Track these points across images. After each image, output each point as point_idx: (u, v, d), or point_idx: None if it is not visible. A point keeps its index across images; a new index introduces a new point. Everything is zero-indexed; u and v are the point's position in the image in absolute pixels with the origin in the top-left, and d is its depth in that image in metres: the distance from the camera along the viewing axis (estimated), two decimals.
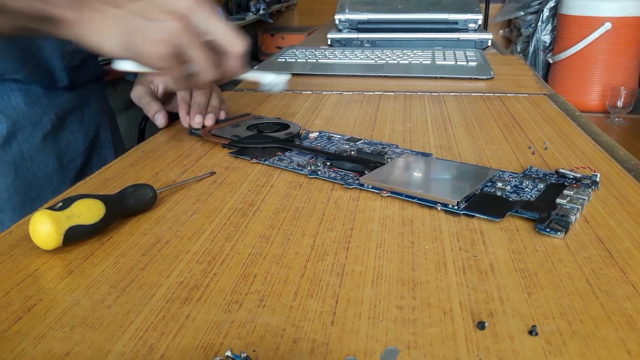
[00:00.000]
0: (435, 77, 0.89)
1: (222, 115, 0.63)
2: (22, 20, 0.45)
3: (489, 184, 0.45)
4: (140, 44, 0.44)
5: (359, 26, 1.24)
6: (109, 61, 0.53)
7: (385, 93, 0.80)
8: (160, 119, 0.63)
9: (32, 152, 0.63)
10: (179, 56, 0.44)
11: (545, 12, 2.81)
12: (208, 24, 0.45)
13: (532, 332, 0.27)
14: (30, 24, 0.45)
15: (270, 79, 0.57)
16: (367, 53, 1.04)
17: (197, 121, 0.61)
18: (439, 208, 0.41)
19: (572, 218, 0.39)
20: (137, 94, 0.65)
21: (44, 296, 0.32)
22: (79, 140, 0.70)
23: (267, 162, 0.52)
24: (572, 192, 0.42)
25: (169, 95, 0.68)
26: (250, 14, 3.38)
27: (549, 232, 0.37)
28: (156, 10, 0.43)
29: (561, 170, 0.46)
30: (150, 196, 0.42)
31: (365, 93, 0.80)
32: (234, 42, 0.46)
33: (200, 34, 0.45)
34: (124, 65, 0.48)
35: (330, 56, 1.03)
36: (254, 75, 0.57)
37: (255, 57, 3.62)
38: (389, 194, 0.44)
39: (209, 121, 0.61)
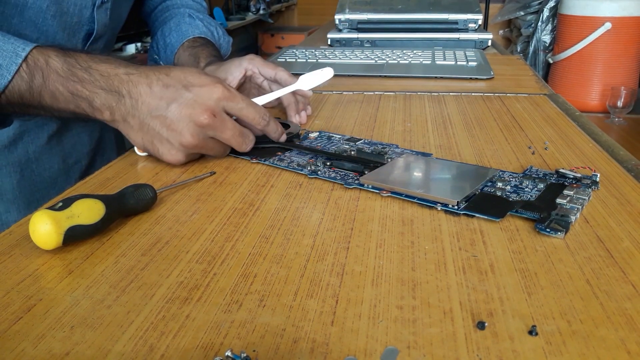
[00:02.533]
0: (435, 77, 0.89)
1: (310, 111, 0.70)
2: (63, 115, 0.51)
3: (489, 184, 0.45)
4: (158, 151, 0.50)
5: (359, 26, 1.24)
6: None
7: (385, 93, 0.80)
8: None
9: (37, 154, 0.63)
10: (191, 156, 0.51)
11: (545, 12, 2.81)
12: (220, 136, 0.49)
13: (532, 332, 0.27)
14: (71, 117, 0.52)
15: (313, 80, 0.62)
16: (367, 53, 1.04)
17: (304, 120, 0.67)
18: (439, 208, 0.41)
19: (572, 218, 0.39)
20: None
21: (44, 296, 0.32)
22: (83, 141, 0.70)
23: (267, 162, 0.52)
24: (572, 192, 0.42)
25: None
26: (250, 14, 3.38)
27: (549, 232, 0.37)
28: (174, 124, 0.48)
29: (561, 170, 0.46)
30: (150, 196, 0.42)
31: (365, 93, 0.81)
32: (257, 121, 0.52)
33: (214, 140, 0.50)
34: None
35: (330, 56, 1.03)
36: (292, 88, 0.62)
37: None
38: (389, 194, 0.44)
39: (305, 118, 0.68)
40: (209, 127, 0.48)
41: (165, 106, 0.48)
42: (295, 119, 0.65)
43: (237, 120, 0.51)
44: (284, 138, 0.55)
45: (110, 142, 0.76)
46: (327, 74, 0.62)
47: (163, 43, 0.80)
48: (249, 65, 0.68)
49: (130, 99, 0.49)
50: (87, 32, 0.64)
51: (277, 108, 0.72)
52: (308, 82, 0.62)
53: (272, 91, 0.70)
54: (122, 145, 0.80)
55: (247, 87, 0.72)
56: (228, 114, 0.50)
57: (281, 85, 0.68)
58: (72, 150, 0.68)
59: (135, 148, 0.54)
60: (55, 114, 0.51)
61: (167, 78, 0.49)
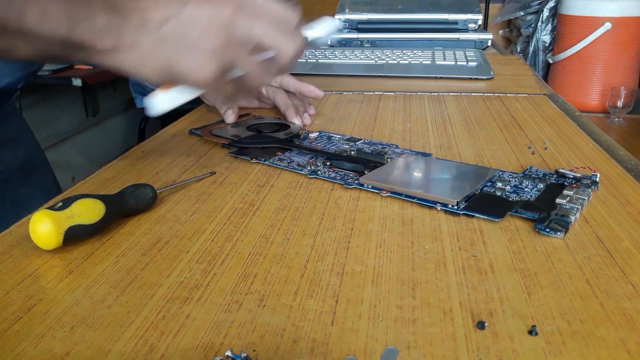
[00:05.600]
0: (435, 77, 0.89)
1: (312, 111, 0.70)
2: (48, 46, 0.38)
3: (489, 184, 0.45)
4: (182, 70, 0.40)
5: (359, 26, 1.24)
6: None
7: (385, 93, 0.80)
8: (230, 115, 0.64)
9: None
10: (225, 72, 0.41)
11: (545, 12, 2.81)
12: (252, 29, 0.40)
13: (532, 332, 0.27)
14: (57, 51, 0.39)
15: (317, 32, 0.50)
16: (367, 53, 1.04)
17: (307, 121, 0.66)
18: (438, 208, 0.41)
19: (572, 218, 0.39)
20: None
21: (44, 296, 0.32)
22: (7, 160, 0.66)
23: (267, 162, 0.52)
24: (571, 192, 0.42)
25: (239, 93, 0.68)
26: None
27: (548, 232, 0.37)
28: (194, 27, 0.39)
29: (561, 170, 0.46)
30: (150, 196, 0.42)
31: (365, 93, 0.80)
32: (283, 48, 0.42)
33: (247, 42, 0.41)
34: (162, 105, 0.43)
35: (330, 56, 1.03)
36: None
37: None
38: (389, 194, 0.44)
39: (309, 120, 0.67)
40: (236, 19, 0.40)
41: (178, 10, 0.39)
42: (296, 121, 0.65)
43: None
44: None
45: (41, 158, 0.72)
46: (330, 25, 0.50)
47: None
48: None
49: (137, 15, 0.39)
50: None
51: (275, 109, 0.72)
52: (316, 31, 0.50)
53: (269, 98, 0.69)
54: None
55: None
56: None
57: (288, 91, 0.68)
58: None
59: (155, 99, 0.43)
60: (34, 46, 0.38)
61: None
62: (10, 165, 0.66)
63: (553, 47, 2.73)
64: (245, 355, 0.26)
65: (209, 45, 0.39)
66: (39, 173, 0.71)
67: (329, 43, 0.56)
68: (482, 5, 2.57)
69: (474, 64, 0.94)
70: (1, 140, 0.65)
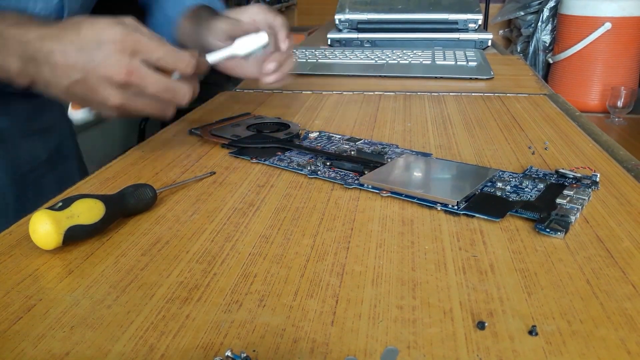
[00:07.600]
0: (435, 77, 0.89)
1: (287, 68, 0.61)
2: None
3: (489, 184, 0.45)
4: (94, 109, 0.48)
5: (359, 26, 1.24)
6: None
7: (385, 93, 0.80)
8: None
9: None
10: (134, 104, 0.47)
11: (545, 12, 2.81)
12: (151, 55, 0.46)
13: (532, 332, 0.27)
14: None
15: (247, 46, 0.55)
16: (367, 53, 1.04)
17: (269, 69, 0.59)
18: (438, 208, 0.41)
19: (572, 218, 0.39)
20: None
21: (44, 296, 0.32)
22: (38, 149, 0.65)
23: (267, 162, 0.52)
24: (572, 192, 0.42)
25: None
26: None
27: (548, 232, 0.37)
28: (96, 85, 0.45)
29: (561, 170, 0.46)
30: (150, 196, 0.42)
31: (365, 93, 0.80)
32: (179, 63, 0.47)
33: (150, 69, 0.46)
34: (79, 115, 0.50)
35: (330, 56, 1.03)
36: (226, 52, 0.55)
37: None
38: (389, 194, 0.44)
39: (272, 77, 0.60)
40: (128, 86, 0.45)
41: (81, 71, 0.45)
42: (267, 66, 0.59)
43: None
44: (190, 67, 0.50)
45: (71, 151, 0.72)
46: (261, 39, 0.55)
47: (162, 17, 0.71)
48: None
49: (48, 67, 0.45)
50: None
51: (276, 110, 0.72)
52: (244, 46, 0.55)
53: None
54: (80, 156, 0.76)
55: None
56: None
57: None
58: (27, 158, 0.64)
59: (70, 110, 0.50)
60: None
61: (79, 39, 0.45)
62: (39, 155, 0.66)
63: (553, 47, 2.73)
64: (245, 355, 0.26)
65: (109, 104, 0.45)
66: (65, 164, 0.71)
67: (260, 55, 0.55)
68: (482, 5, 2.57)
69: (474, 64, 0.94)
70: (37, 129, 0.66)
